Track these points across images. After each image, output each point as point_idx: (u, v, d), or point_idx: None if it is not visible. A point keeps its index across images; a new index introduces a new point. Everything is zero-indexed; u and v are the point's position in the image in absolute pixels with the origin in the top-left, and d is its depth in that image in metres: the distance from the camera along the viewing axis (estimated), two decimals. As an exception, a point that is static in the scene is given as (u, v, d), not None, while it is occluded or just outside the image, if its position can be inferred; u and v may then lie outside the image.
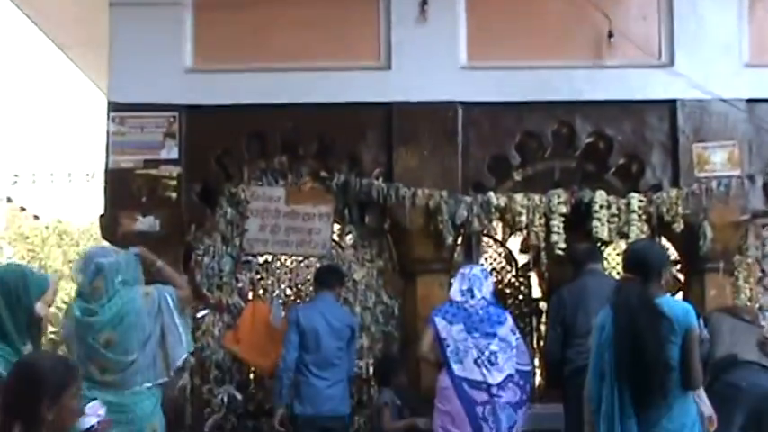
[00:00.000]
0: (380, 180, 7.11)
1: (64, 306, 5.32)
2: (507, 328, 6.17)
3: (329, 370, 6.41)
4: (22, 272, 4.17)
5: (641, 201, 7.06)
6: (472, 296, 6.20)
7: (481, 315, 6.15)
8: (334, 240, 7.39)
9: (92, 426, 3.56)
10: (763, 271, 7.42)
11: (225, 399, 7.07)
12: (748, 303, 7.22)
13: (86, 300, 5.04)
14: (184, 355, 5.26)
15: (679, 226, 6.99)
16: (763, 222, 7.41)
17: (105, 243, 6.63)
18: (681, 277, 7.35)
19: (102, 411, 3.70)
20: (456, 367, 6.02)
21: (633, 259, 4.86)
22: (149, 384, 5.08)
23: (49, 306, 4.19)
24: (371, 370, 7.09)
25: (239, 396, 7.10)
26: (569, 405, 6.20)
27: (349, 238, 7.42)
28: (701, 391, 4.76)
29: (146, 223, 6.94)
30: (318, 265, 7.16)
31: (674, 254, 5.04)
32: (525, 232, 7.14)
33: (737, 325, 6.21)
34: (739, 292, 7.26)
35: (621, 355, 4.57)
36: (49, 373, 3.06)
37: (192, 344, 5.37)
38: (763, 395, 5.89)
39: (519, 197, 7.06)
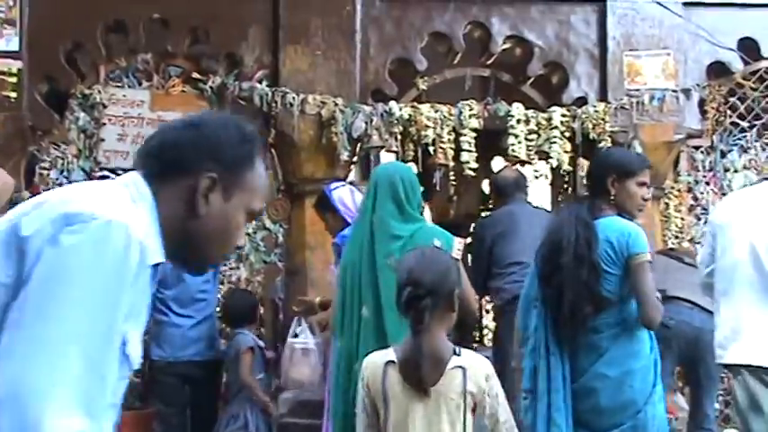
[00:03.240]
0: (264, 84, 6.32)
1: None
2: None
3: (193, 306, 5.66)
4: None
5: (564, 116, 6.40)
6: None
7: None
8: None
9: None
10: (695, 198, 6.77)
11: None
12: (679, 235, 6.61)
13: None
14: None
15: (606, 145, 6.32)
16: (698, 144, 6.80)
17: None
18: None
19: None
20: None
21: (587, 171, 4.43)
22: None
23: None
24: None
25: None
26: (503, 337, 5.45)
27: (226, 152, 6.53)
28: None
29: (-22, 127, 6.10)
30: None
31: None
32: (432, 149, 6.36)
33: (671, 264, 5.64)
34: (669, 221, 6.65)
35: (543, 276, 4.05)
36: None
37: None
38: (694, 336, 5.24)
39: (425, 108, 6.36)
